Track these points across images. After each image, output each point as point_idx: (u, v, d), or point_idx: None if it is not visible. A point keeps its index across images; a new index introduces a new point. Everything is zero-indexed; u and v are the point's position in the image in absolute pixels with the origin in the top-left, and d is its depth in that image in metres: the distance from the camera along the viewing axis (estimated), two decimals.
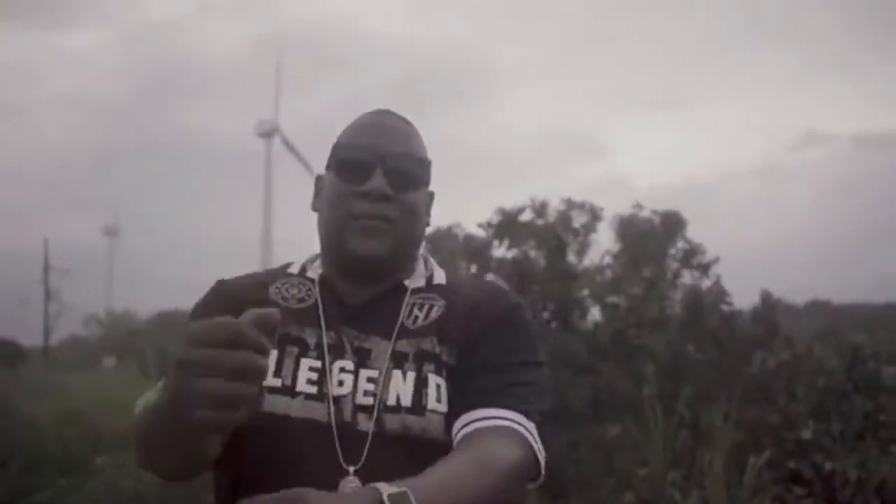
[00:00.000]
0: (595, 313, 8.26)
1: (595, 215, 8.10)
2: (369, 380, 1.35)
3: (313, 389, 1.34)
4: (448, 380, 1.35)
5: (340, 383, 1.35)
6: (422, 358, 1.36)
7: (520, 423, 1.29)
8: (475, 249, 7.90)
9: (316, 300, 1.43)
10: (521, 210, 8.16)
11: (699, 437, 5.96)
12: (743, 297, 7.91)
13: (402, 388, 1.33)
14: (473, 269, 7.76)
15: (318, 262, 1.50)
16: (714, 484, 5.39)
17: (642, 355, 6.58)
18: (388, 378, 1.34)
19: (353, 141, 1.44)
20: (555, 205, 8.11)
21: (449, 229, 8.08)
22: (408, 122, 1.49)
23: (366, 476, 1.26)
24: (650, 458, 5.74)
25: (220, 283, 1.49)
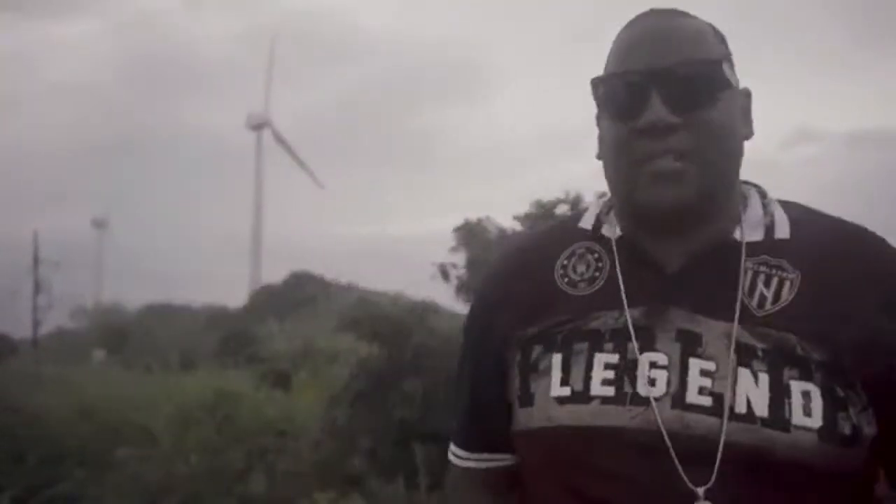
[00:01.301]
0: None
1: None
2: (704, 373, 1.07)
3: (610, 391, 1.09)
4: (824, 383, 1.04)
5: (652, 382, 1.08)
6: (779, 358, 1.06)
7: None
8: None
9: (614, 274, 1.15)
10: (556, 202, 8.08)
11: None
12: None
13: (754, 392, 1.05)
14: None
15: (613, 213, 1.21)
16: None
17: None
18: (733, 376, 1.06)
19: (616, 65, 1.14)
20: (589, 198, 8.10)
21: (479, 222, 8.03)
22: (684, 15, 1.16)
23: (718, 500, 1.02)
24: None
25: (492, 282, 1.27)
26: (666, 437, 1.04)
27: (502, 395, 1.19)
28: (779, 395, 1.04)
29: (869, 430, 1.05)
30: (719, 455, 1.03)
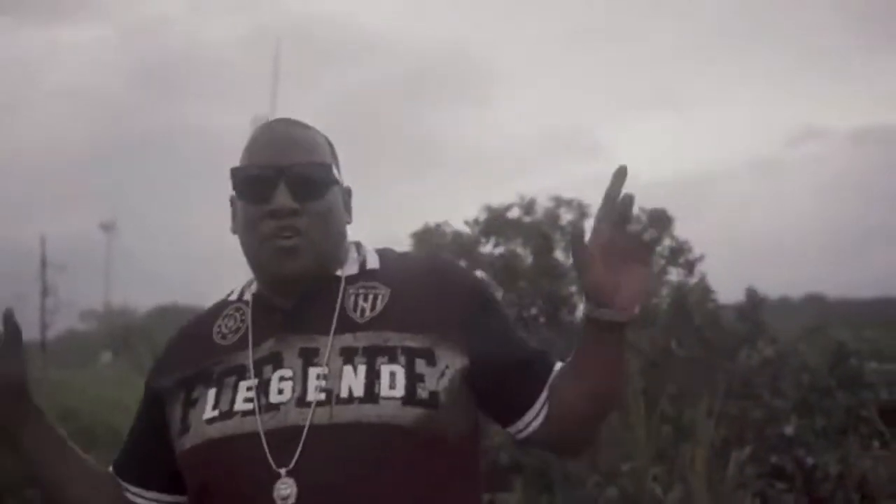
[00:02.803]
0: (583, 309, 8.31)
1: (583, 212, 8.19)
2: (319, 377, 1.35)
3: (249, 405, 1.36)
4: (408, 364, 1.35)
5: (280, 391, 1.35)
6: (374, 353, 1.36)
7: None
8: (462, 247, 7.98)
9: (249, 323, 1.45)
10: (508, 207, 8.25)
11: (682, 433, 6.04)
12: (739, 292, 8.00)
13: (353, 380, 1.33)
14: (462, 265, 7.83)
15: (255, 283, 1.50)
16: (696, 479, 5.46)
17: (628, 352, 6.61)
18: (338, 373, 1.34)
19: (252, 159, 1.43)
20: (542, 202, 8.25)
21: (437, 227, 8.20)
22: (305, 127, 1.48)
23: (300, 474, 1.29)
24: (633, 453, 5.81)
25: (166, 350, 1.55)
26: (262, 436, 1.32)
27: (162, 438, 1.45)
28: (371, 378, 1.33)
29: (445, 396, 1.35)
30: (302, 438, 1.31)
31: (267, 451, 1.32)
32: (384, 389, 1.32)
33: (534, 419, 1.43)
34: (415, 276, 1.45)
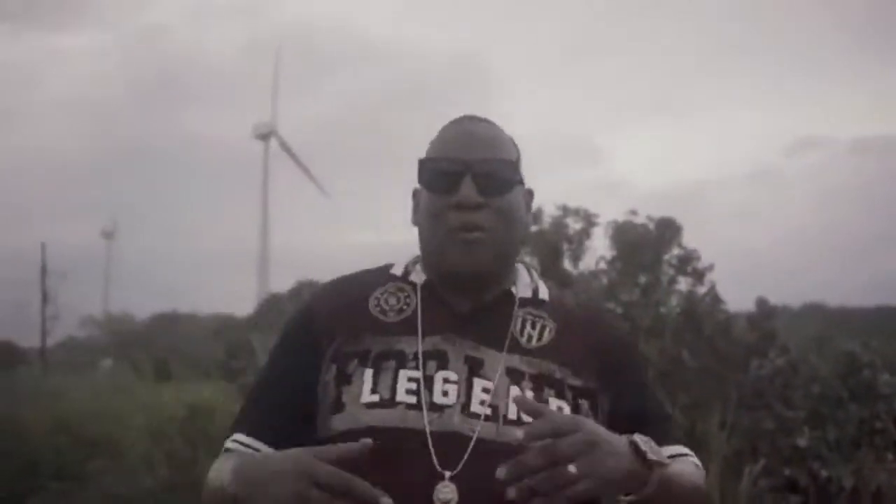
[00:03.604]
0: None
1: (590, 221, 8.09)
2: (484, 390, 1.35)
3: (413, 399, 1.35)
4: (574, 402, 1.37)
5: (445, 393, 1.35)
6: (541, 380, 1.38)
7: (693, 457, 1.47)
8: None
9: (416, 309, 1.43)
10: None
11: (694, 445, 5.95)
12: (740, 301, 7.92)
13: None
14: None
15: (419, 266, 1.49)
16: (710, 492, 5.38)
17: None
18: (506, 391, 1.35)
19: (440, 152, 1.45)
20: (550, 211, 8.14)
21: None
22: (491, 124, 1.50)
23: (463, 482, 1.29)
24: None
25: (318, 301, 1.50)
26: (429, 436, 1.32)
27: (304, 400, 1.40)
28: None
29: None
30: (471, 446, 1.31)
31: (433, 451, 1.31)
32: None
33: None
34: (578, 318, 1.47)
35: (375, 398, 1.35)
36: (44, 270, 29.29)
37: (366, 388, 1.36)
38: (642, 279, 7.79)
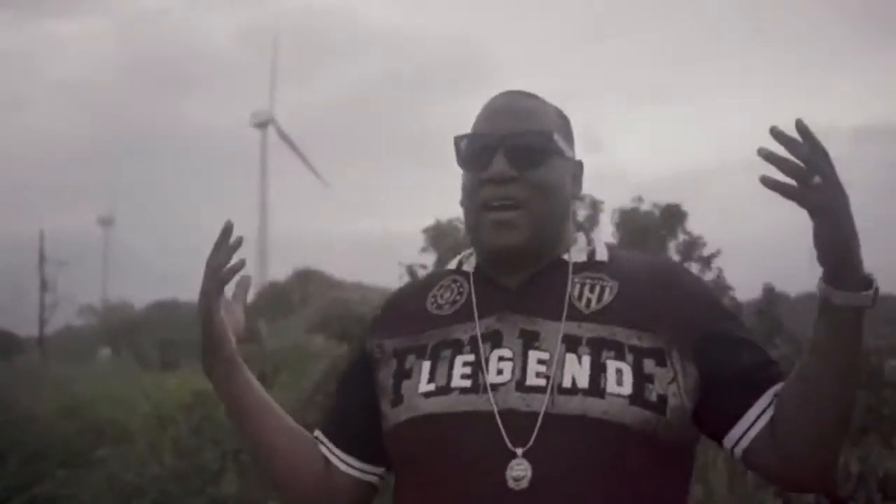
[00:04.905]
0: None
1: (596, 208, 8.09)
2: (540, 361, 1.33)
3: (467, 382, 1.34)
4: (636, 362, 1.32)
5: (500, 371, 1.34)
6: (599, 344, 1.33)
7: None
8: None
9: (468, 296, 1.43)
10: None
11: None
12: (742, 290, 7.92)
13: (577, 370, 1.31)
14: None
15: (473, 256, 1.50)
16: (717, 478, 5.40)
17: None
18: (561, 361, 1.32)
19: (475, 128, 1.44)
20: None
21: (449, 222, 8.09)
22: (531, 96, 1.47)
23: (536, 458, 1.28)
24: None
25: (381, 310, 1.56)
26: (497, 415, 1.30)
27: (366, 402, 1.45)
28: (597, 371, 1.31)
29: (674, 400, 1.31)
30: (539, 421, 1.29)
31: (503, 430, 1.29)
32: (610, 385, 1.30)
33: (744, 433, 1.33)
34: (644, 274, 1.42)
35: (431, 387, 1.36)
36: (42, 258, 29.28)
37: (423, 379, 1.38)
38: None
